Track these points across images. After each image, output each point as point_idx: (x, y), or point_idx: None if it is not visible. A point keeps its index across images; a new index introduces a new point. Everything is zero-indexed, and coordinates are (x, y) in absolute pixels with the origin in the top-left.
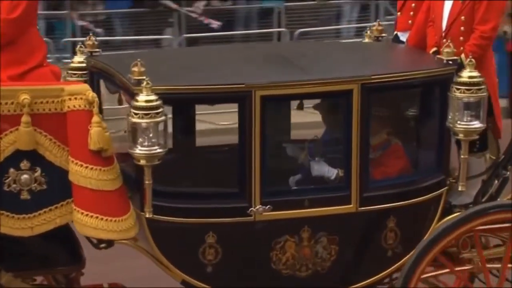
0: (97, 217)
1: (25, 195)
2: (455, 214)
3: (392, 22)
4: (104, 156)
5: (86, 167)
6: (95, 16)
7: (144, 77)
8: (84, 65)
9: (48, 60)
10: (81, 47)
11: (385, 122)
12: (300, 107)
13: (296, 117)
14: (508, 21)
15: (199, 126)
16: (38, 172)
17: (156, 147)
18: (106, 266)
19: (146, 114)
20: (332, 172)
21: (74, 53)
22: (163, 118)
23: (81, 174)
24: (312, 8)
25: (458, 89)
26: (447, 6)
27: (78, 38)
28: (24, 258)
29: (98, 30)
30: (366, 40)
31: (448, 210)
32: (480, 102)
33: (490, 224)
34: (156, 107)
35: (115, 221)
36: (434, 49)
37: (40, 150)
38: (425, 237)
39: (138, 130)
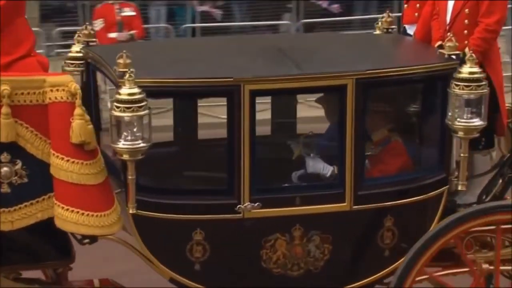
0: (77, 212)
1: (5, 188)
2: (452, 215)
3: None
4: (87, 149)
5: (67, 160)
6: (214, 1)
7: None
8: (81, 55)
9: None
10: (79, 36)
11: (386, 118)
12: None
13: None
14: None
15: (205, 119)
16: (18, 165)
17: (139, 142)
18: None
19: (128, 108)
20: (327, 169)
21: None
22: (146, 111)
23: (62, 167)
24: None
25: (457, 85)
26: None
27: (198, 24)
28: (11, 252)
29: (217, 14)
30: (377, 32)
31: (452, 209)
32: (481, 99)
33: (489, 225)
34: (139, 101)
35: (96, 216)
36: (439, 43)
37: (21, 142)
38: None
39: (120, 124)
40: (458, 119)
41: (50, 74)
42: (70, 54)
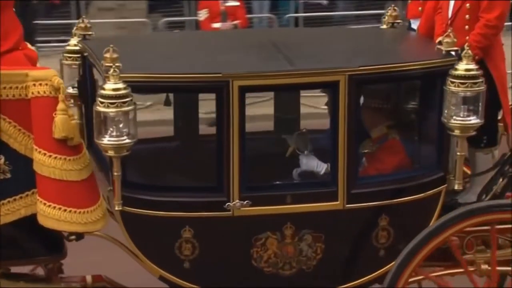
0: (59, 208)
1: None
2: (446, 215)
3: None
4: (70, 144)
5: (50, 156)
6: None
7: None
8: (79, 48)
9: None
10: (76, 29)
11: (385, 115)
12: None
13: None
14: None
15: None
16: (1, 160)
17: (124, 138)
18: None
19: (112, 103)
20: (322, 167)
21: None
22: (131, 107)
23: (44, 163)
24: None
25: (453, 82)
26: None
27: (301, 14)
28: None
29: (324, 3)
30: (384, 26)
31: (453, 208)
32: (477, 96)
33: (484, 225)
34: (123, 96)
35: (79, 212)
36: (441, 38)
37: (4, 137)
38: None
39: (105, 119)
40: (454, 117)
41: (33, 68)
42: (67, 48)
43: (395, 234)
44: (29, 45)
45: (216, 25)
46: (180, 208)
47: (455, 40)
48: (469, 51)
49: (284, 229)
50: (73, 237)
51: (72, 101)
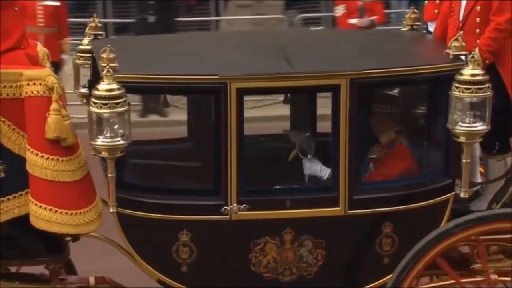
0: (50, 210)
1: None
2: (449, 222)
3: None
4: (63, 145)
5: (42, 156)
6: None
7: (113, 64)
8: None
9: None
10: (88, 28)
11: (394, 120)
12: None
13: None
14: None
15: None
16: None
17: (118, 139)
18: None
19: (104, 104)
20: (325, 172)
21: None
22: (124, 108)
23: (37, 163)
24: None
25: (457, 87)
26: None
27: None
28: (1, 248)
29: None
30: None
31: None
32: (484, 102)
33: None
34: (116, 97)
35: (70, 214)
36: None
37: None
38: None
39: (97, 120)
40: (460, 123)
41: (28, 67)
42: (80, 47)
43: (400, 241)
44: (39, 45)
45: (353, 21)
46: (177, 211)
47: (463, 44)
48: (475, 56)
49: (284, 234)
50: (68, 238)
51: (84, 100)
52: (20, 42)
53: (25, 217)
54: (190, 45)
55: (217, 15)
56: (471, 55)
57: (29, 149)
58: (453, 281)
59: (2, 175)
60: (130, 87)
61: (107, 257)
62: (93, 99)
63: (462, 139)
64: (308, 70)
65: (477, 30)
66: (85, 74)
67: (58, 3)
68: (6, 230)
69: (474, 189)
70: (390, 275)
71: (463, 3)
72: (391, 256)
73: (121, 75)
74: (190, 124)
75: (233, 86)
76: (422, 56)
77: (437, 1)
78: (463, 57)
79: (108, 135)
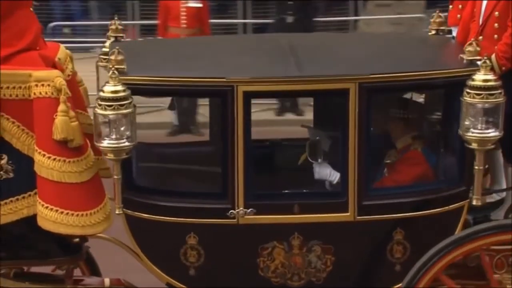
0: (57, 210)
1: None
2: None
3: None
4: (70, 146)
5: (49, 157)
6: None
7: (121, 66)
8: None
9: None
10: (110, 31)
11: (409, 125)
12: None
13: None
14: None
15: None
16: (4, 160)
17: (124, 141)
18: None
19: (109, 106)
20: (334, 176)
21: None
22: (129, 110)
23: (43, 164)
24: None
25: (468, 93)
26: (485, 0)
27: None
28: (18, 247)
29: None
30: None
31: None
32: (496, 108)
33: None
34: (122, 99)
35: (77, 215)
36: None
37: (7, 137)
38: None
39: (102, 122)
40: (471, 130)
41: (37, 68)
42: (102, 49)
43: (412, 249)
44: (62, 47)
45: None
46: (184, 214)
47: (478, 48)
48: (487, 61)
49: (292, 239)
50: (76, 239)
51: None
52: (35, 43)
53: (36, 218)
54: (204, 48)
55: (356, 14)
56: (483, 61)
57: (36, 150)
58: None
59: (11, 175)
60: (137, 89)
61: (122, 257)
62: (98, 101)
63: (474, 145)
64: (316, 74)
65: (495, 36)
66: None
67: (200, 5)
68: (18, 230)
69: (490, 198)
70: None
71: (483, 8)
72: (403, 263)
73: (128, 77)
74: (211, 127)
75: (240, 89)
76: (436, 61)
77: (460, 6)
78: (479, 62)
79: (113, 136)
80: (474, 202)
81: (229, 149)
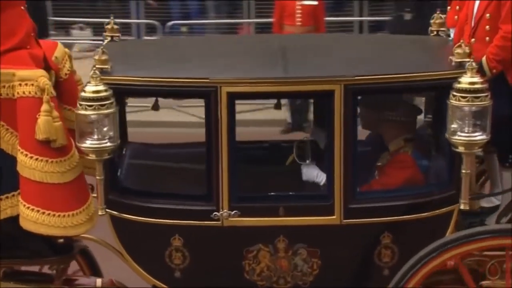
0: (38, 211)
1: None
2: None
3: None
4: (53, 146)
5: (31, 157)
6: None
7: (105, 66)
8: None
9: None
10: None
11: (403, 128)
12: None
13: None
14: None
15: None
16: None
17: (105, 141)
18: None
19: (89, 106)
20: (321, 178)
21: None
22: (110, 110)
23: (26, 164)
24: None
25: (454, 96)
26: (477, 2)
27: None
28: (9, 247)
29: None
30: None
31: None
32: (483, 111)
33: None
34: (102, 99)
35: (58, 216)
36: None
37: None
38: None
39: (84, 122)
40: (458, 133)
41: (22, 67)
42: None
43: (401, 253)
44: (60, 46)
45: None
46: (169, 215)
47: (467, 51)
48: (473, 63)
49: (277, 242)
50: (61, 239)
51: None
52: (25, 42)
53: None
54: (196, 49)
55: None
56: (469, 63)
57: (19, 150)
58: None
59: None
60: (120, 89)
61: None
62: (79, 101)
63: (460, 149)
64: (301, 76)
65: (487, 38)
66: None
67: (316, 2)
68: (8, 229)
69: (489, 202)
70: None
71: (475, 10)
72: (391, 268)
73: (111, 77)
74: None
75: (224, 90)
76: (425, 63)
77: (457, 7)
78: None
79: (95, 137)
80: (461, 207)
81: (213, 151)
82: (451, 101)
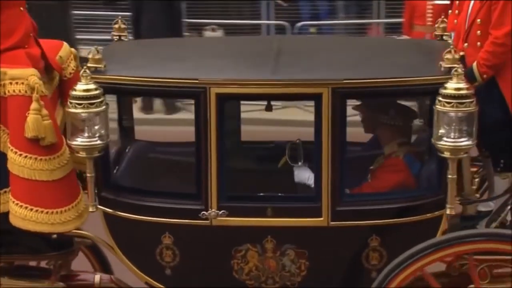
0: (26, 207)
1: None
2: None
3: None
4: (43, 144)
5: (21, 154)
6: None
7: (99, 65)
8: None
9: None
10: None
11: (397, 132)
12: (269, 108)
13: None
14: None
15: None
16: None
17: (96, 139)
18: None
19: (79, 104)
20: (312, 180)
21: None
22: (101, 108)
23: (15, 162)
24: None
25: (439, 101)
26: (471, 6)
27: None
28: (9, 243)
29: None
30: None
31: None
32: (469, 117)
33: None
34: (93, 97)
35: (46, 212)
36: (461, 53)
37: None
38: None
39: (74, 120)
40: (444, 138)
41: (17, 67)
42: None
43: (389, 256)
44: (65, 45)
45: None
46: (159, 213)
47: (456, 56)
48: (459, 69)
49: (265, 243)
50: (54, 236)
51: None
52: (23, 42)
53: None
54: (197, 49)
55: None
56: (455, 69)
57: (9, 147)
58: None
59: None
60: (111, 89)
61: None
62: (70, 99)
63: (446, 154)
64: (290, 78)
65: (478, 43)
66: None
67: (447, 2)
68: (6, 226)
69: (487, 207)
70: None
71: (468, 15)
72: (379, 270)
73: (102, 76)
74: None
75: (213, 91)
76: (416, 67)
77: (457, 12)
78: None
79: (86, 135)
80: (448, 212)
81: (202, 151)
82: (437, 106)
